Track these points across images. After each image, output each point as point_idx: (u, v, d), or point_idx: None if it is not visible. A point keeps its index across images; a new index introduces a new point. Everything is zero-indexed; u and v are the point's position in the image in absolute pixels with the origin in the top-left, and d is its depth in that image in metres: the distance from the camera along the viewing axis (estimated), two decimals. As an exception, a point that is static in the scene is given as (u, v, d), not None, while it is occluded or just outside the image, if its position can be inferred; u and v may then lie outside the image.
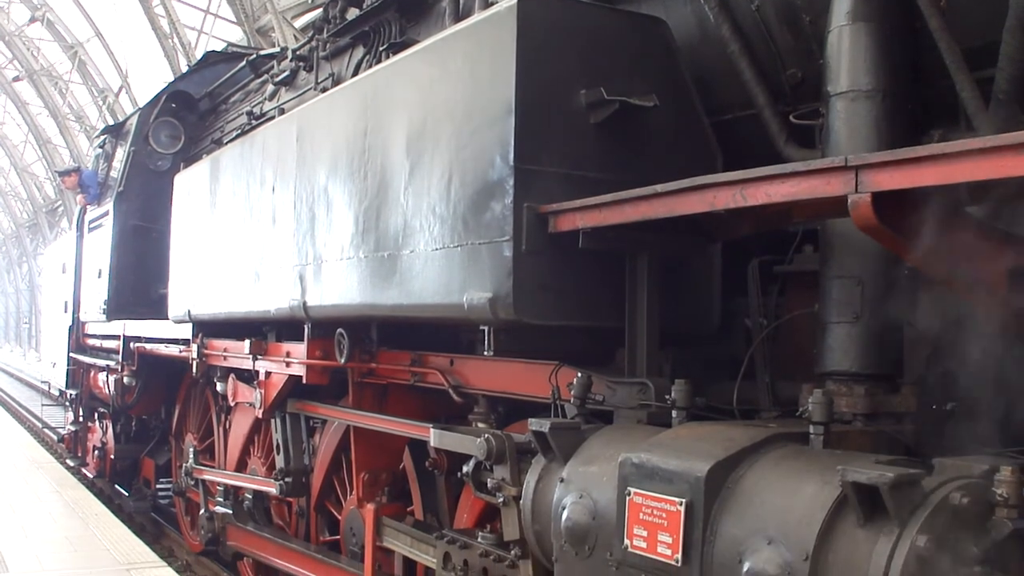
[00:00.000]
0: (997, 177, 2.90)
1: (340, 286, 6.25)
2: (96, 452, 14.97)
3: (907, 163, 3.12)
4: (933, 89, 4.25)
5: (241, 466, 9.71)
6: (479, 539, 5.45)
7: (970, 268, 3.53)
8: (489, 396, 5.74)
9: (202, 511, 10.15)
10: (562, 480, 4.23)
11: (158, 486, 13.69)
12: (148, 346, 11.70)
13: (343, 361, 6.75)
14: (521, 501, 4.62)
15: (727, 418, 4.29)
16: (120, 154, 13.49)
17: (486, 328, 5.04)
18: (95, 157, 14.80)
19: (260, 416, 8.42)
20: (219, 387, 9.46)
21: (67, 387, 15.76)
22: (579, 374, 4.64)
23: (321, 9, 9.00)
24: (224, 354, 9.08)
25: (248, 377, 8.66)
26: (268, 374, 8.16)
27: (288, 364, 7.67)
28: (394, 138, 5.69)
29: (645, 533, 3.65)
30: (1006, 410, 4.00)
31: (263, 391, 8.22)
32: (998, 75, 3.90)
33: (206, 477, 10.22)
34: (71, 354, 15.17)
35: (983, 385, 3.95)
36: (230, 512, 9.56)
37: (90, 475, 15.27)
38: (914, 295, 4.32)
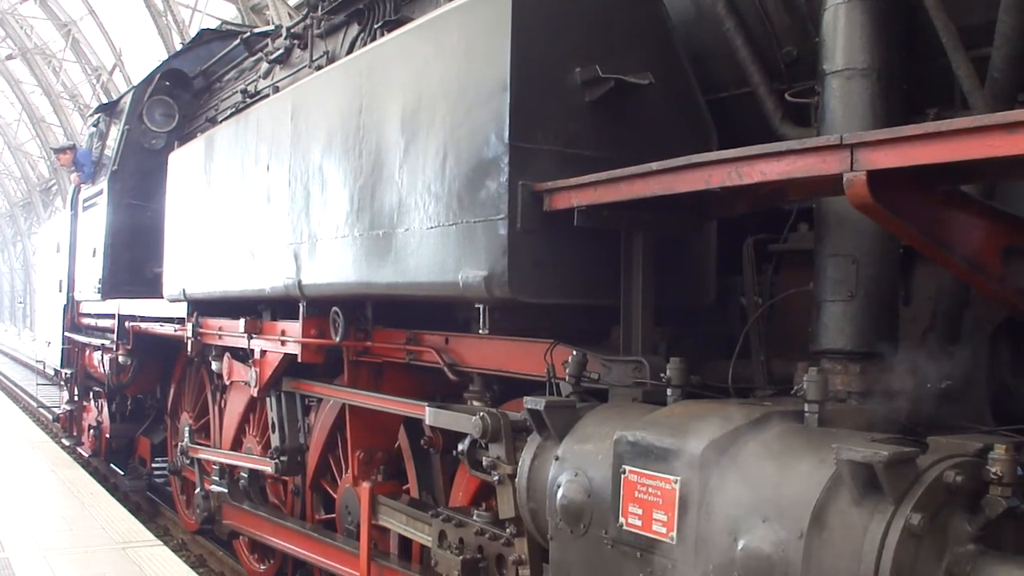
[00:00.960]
0: (992, 156, 2.90)
1: (335, 264, 6.24)
2: (92, 431, 14.98)
3: (902, 141, 3.11)
4: (929, 67, 4.25)
5: (237, 445, 9.72)
6: (474, 517, 5.46)
7: (964, 246, 3.53)
8: (484, 374, 5.75)
9: (198, 490, 10.17)
10: (557, 458, 4.24)
11: (154, 465, 13.72)
12: (143, 325, 11.69)
13: (338, 340, 6.75)
14: (516, 479, 4.63)
15: (722, 396, 4.30)
16: (114, 133, 13.45)
17: (481, 306, 5.03)
18: (89, 136, 14.77)
19: (255, 395, 8.43)
20: (214, 366, 9.45)
21: (62, 366, 15.77)
22: (574, 352, 4.64)
23: (316, -13, 8.96)
24: (219, 333, 9.07)
25: (243, 356, 8.66)
26: (263, 353, 8.16)
27: (283, 343, 7.67)
28: (389, 116, 5.67)
29: (640, 511, 3.66)
30: (1000, 389, 4.02)
31: (258, 370, 8.22)
32: (994, 54, 3.89)
33: (202, 456, 10.23)
34: (66, 333, 15.17)
35: (978, 363, 3.97)
36: (226, 491, 9.58)
37: (86, 454, 15.29)
38: (909, 273, 4.33)
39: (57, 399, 19.75)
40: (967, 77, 3.97)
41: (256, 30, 12.22)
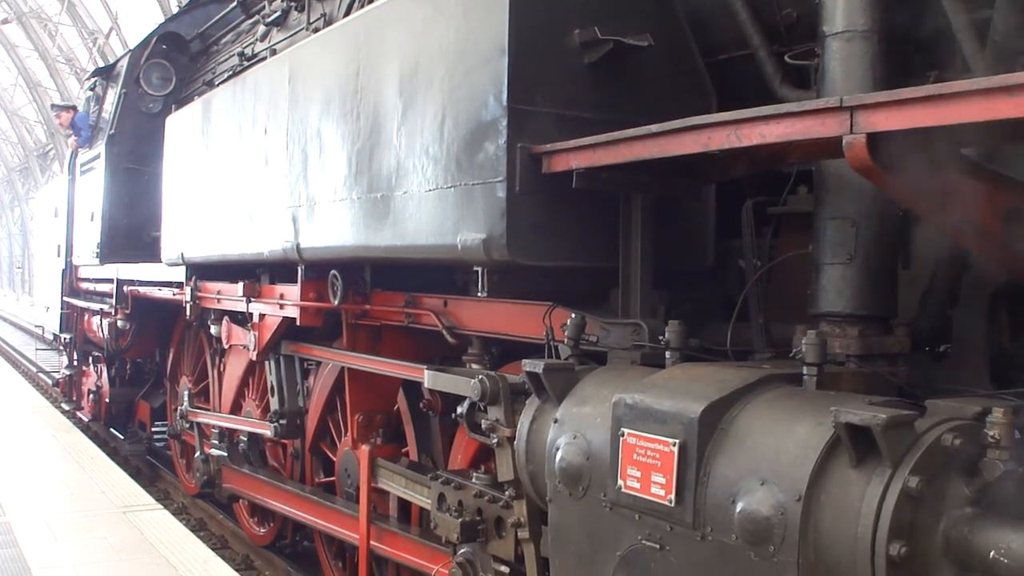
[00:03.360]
0: (992, 119, 2.89)
1: (333, 228, 6.23)
2: (91, 396, 15.02)
3: (902, 104, 3.10)
4: (929, 30, 4.22)
5: (236, 408, 9.74)
6: (473, 480, 5.48)
7: (964, 209, 3.52)
8: (483, 337, 5.75)
9: (197, 454, 10.20)
10: (556, 421, 4.24)
11: (153, 429, 13.77)
12: (142, 289, 11.71)
13: (337, 303, 6.75)
14: (515, 442, 4.64)
15: (721, 359, 4.30)
16: (111, 96, 13.40)
17: (480, 269, 5.03)
18: (86, 100, 14.71)
19: (254, 358, 8.44)
20: (213, 330, 9.46)
21: (61, 331, 15.79)
22: (573, 315, 4.64)
23: (312, -52, 8.89)
24: (218, 296, 9.07)
25: (242, 319, 8.67)
26: (262, 316, 8.17)
27: (282, 306, 7.67)
28: (387, 79, 5.65)
29: (639, 474, 3.67)
30: (999, 352, 4.02)
31: (257, 333, 8.23)
32: (995, 16, 3.87)
33: (201, 420, 10.25)
34: (64, 298, 15.19)
35: (976, 327, 3.97)
36: (225, 454, 9.61)
37: (85, 419, 15.32)
38: (908, 236, 4.32)
39: (56, 364, 19.79)
40: (968, 40, 3.94)
41: (253, -7, 12.15)
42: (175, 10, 22.43)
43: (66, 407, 16.13)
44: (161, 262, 10.19)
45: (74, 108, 15.22)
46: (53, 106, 24.92)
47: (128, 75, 12.97)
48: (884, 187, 3.51)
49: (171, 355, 12.32)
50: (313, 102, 6.61)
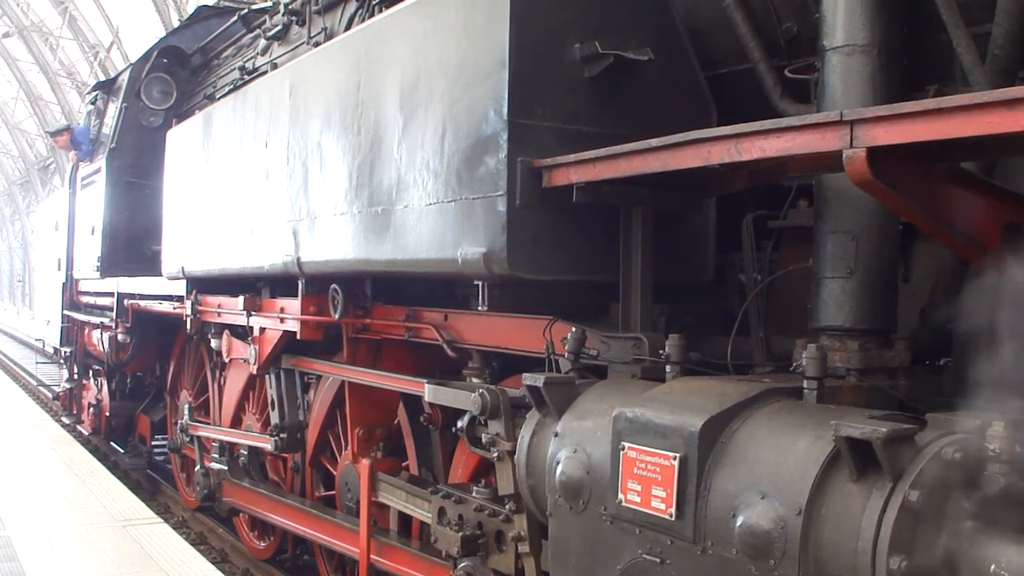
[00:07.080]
0: (992, 133, 2.89)
1: (334, 241, 6.24)
2: (91, 409, 15.00)
3: (902, 118, 3.10)
4: (929, 44, 4.23)
5: (236, 422, 9.73)
6: (474, 494, 5.47)
7: (964, 223, 3.53)
8: (483, 351, 5.75)
9: (198, 467, 10.18)
10: (556, 435, 4.24)
11: (153, 443, 13.75)
12: (142, 303, 11.71)
13: (337, 317, 6.75)
14: (515, 456, 4.64)
15: (721, 373, 4.30)
16: (112, 110, 13.42)
17: (480, 283, 5.03)
18: (87, 113, 14.72)
19: (255, 372, 8.43)
20: (213, 343, 9.46)
21: (61, 344, 15.78)
22: (573, 329, 4.64)
23: (313, -37, 8.91)
24: (218, 310, 9.07)
25: (242, 333, 8.67)
26: (262, 330, 8.16)
27: (282, 320, 7.67)
28: (387, 92, 5.65)
29: (639, 487, 3.67)
30: (999, 365, 4.01)
31: (257, 347, 8.22)
32: (995, 30, 3.88)
33: (201, 433, 10.23)
34: (65, 311, 15.18)
35: (977, 340, 3.97)
36: (225, 468, 9.59)
37: (85, 432, 15.30)
38: (908, 250, 4.32)
39: (57, 377, 19.77)
40: (968, 53, 3.95)
41: (254, 7, 12.14)
42: (176, 24, 22.48)
43: (66, 420, 16.11)
44: (162, 276, 10.20)
45: (68, 128, 15.23)
46: (48, 132, 24.95)
47: (129, 89, 12.98)
48: (884, 201, 3.52)
49: (171, 369, 12.32)
50: (314, 116, 6.62)
